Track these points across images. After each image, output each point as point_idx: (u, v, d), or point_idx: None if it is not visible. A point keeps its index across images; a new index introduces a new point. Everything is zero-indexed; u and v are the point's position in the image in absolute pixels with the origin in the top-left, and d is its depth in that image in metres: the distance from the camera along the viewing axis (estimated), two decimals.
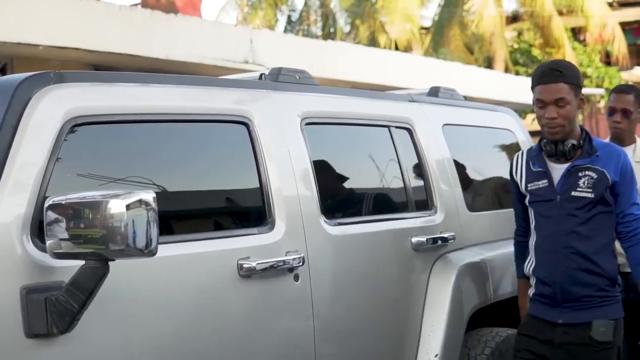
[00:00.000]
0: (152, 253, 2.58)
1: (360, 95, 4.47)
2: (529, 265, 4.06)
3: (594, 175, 3.90)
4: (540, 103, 3.89)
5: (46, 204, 2.59)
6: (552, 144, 3.93)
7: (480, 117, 5.30)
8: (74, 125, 2.91)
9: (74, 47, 11.14)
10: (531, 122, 26.55)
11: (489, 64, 26.05)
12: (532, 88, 3.94)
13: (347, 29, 29.46)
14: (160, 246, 2.63)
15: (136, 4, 16.32)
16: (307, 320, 3.51)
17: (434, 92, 5.06)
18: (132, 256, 2.57)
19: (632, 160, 4.33)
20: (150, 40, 11.87)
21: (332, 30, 28.66)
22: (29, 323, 2.62)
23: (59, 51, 11.32)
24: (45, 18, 10.83)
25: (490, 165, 5.31)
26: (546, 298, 3.98)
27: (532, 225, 4.06)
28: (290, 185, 3.58)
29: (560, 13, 27.09)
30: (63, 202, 2.56)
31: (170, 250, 2.98)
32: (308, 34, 29.36)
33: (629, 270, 4.18)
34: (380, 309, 3.92)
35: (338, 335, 3.67)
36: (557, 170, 3.95)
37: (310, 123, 3.84)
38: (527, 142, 5.41)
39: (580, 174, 3.91)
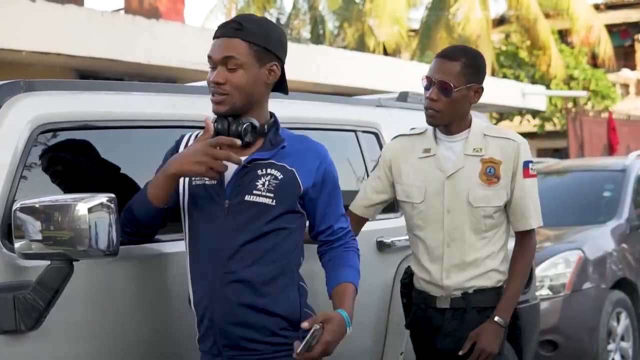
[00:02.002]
0: (114, 253, 2.70)
1: (326, 101, 4.52)
2: (190, 295, 2.99)
3: (279, 175, 2.91)
4: (210, 63, 2.93)
5: (15, 207, 2.68)
6: (224, 120, 2.91)
7: None
8: (42, 132, 3.02)
9: (56, 52, 11.20)
10: (519, 124, 26.72)
11: None
12: None
13: (335, 31, 29.54)
14: None
15: (118, 10, 16.41)
16: None
17: (403, 96, 5.12)
18: (94, 257, 2.69)
19: (461, 153, 3.56)
20: (132, 45, 11.96)
21: (320, 33, 28.72)
22: None
23: (42, 57, 11.38)
24: (27, 24, 10.86)
25: None
26: (207, 343, 2.95)
27: (187, 236, 2.98)
28: None
29: (547, 15, 27.21)
30: (35, 205, 2.66)
31: None
32: (297, 37, 29.42)
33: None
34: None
35: None
36: (230, 165, 2.86)
37: None
38: None
39: (259, 172, 2.91)
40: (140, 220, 2.95)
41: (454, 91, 3.49)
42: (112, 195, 2.70)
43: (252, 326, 2.86)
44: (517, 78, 26.05)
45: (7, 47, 10.75)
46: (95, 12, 11.97)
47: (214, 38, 2.95)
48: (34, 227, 2.66)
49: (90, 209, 2.62)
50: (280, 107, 4.00)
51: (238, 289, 2.85)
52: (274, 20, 30.19)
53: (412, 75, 17.67)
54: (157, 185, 2.89)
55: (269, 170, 2.90)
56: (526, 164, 3.59)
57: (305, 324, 2.80)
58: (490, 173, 3.55)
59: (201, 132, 2.96)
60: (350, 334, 2.91)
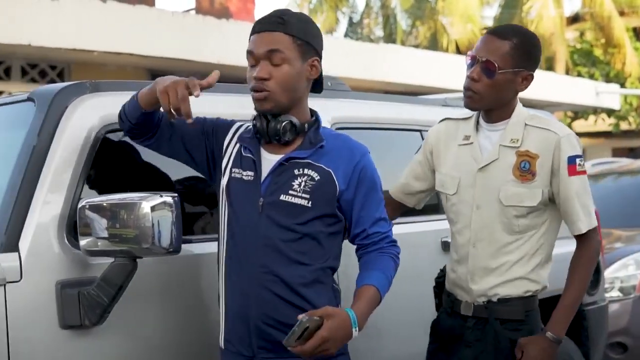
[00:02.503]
0: (176, 251, 2.74)
1: (392, 100, 4.53)
2: (220, 297, 2.90)
3: (315, 176, 2.82)
4: (251, 59, 2.84)
5: (81, 205, 2.74)
6: (263, 118, 2.84)
7: None
8: (108, 132, 3.08)
9: (128, 52, 11.37)
10: (593, 123, 26.38)
11: (549, 64, 25.91)
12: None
13: (408, 30, 29.49)
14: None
15: (189, 10, 16.58)
16: None
17: None
18: (157, 254, 2.73)
19: (497, 143, 3.21)
20: (202, 45, 12.07)
21: (393, 31, 28.68)
22: (63, 315, 2.79)
23: (114, 57, 11.56)
24: (100, 24, 11.05)
25: None
26: (238, 345, 2.86)
27: (224, 230, 2.88)
28: None
29: (622, 13, 26.82)
30: (102, 203, 2.71)
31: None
32: (369, 36, 29.42)
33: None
34: None
35: None
36: (269, 162, 2.84)
37: (340, 128, 3.96)
38: None
39: (296, 172, 2.83)
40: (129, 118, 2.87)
41: (497, 73, 3.09)
42: (175, 194, 2.74)
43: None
44: (591, 76, 25.73)
45: (79, 47, 10.93)
46: (166, 12, 12.11)
47: (252, 33, 2.86)
48: (99, 224, 2.71)
49: (153, 207, 2.65)
50: (345, 107, 4.08)
51: (275, 288, 2.77)
52: (347, 19, 30.38)
53: None
54: (145, 92, 2.80)
55: (305, 171, 2.80)
56: (572, 160, 3.12)
57: (300, 316, 2.61)
58: (525, 168, 3.13)
59: (249, 125, 2.94)
60: (357, 336, 2.73)
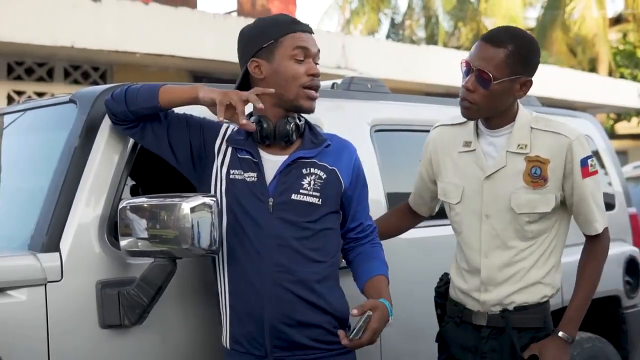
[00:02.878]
0: (215, 252, 2.75)
1: (430, 102, 4.53)
2: (222, 297, 2.93)
3: (322, 175, 2.90)
4: (301, 54, 2.88)
5: (122, 205, 2.75)
6: (268, 120, 2.88)
7: None
8: None
9: (170, 54, 11.40)
10: (636, 125, 26.11)
11: (592, 66, 25.69)
12: (277, 37, 2.88)
13: (450, 31, 29.38)
14: None
15: (230, 12, 16.64)
16: None
17: None
18: (196, 255, 2.75)
19: (503, 150, 3.09)
20: None
21: (435, 32, 28.58)
22: (103, 315, 2.82)
23: (156, 58, 11.61)
24: (142, 26, 11.09)
25: None
26: (248, 345, 2.87)
27: (228, 234, 2.89)
28: None
29: None
30: (143, 204, 2.72)
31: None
32: (408, 38, 29.36)
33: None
34: None
35: None
36: (271, 162, 2.89)
37: (380, 130, 3.97)
38: (607, 149, 5.38)
39: (304, 171, 2.90)
40: (129, 106, 2.88)
41: (493, 83, 2.95)
42: (214, 195, 2.75)
43: (308, 325, 2.81)
44: (634, 78, 25.47)
45: (121, 49, 11.01)
46: (208, 14, 12.15)
47: (297, 31, 2.91)
48: (140, 225, 2.72)
49: (193, 208, 2.66)
50: (384, 109, 4.08)
51: (292, 286, 2.81)
52: (388, 21, 30.28)
53: None
54: (175, 92, 2.85)
55: (312, 170, 2.88)
56: (584, 162, 3.04)
57: (354, 311, 2.71)
58: (536, 174, 3.04)
59: (234, 127, 2.96)
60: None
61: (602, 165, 5.31)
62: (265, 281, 2.80)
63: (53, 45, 10.56)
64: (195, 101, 2.84)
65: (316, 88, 2.91)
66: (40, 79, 11.84)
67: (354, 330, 2.72)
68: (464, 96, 3.02)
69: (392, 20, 30.87)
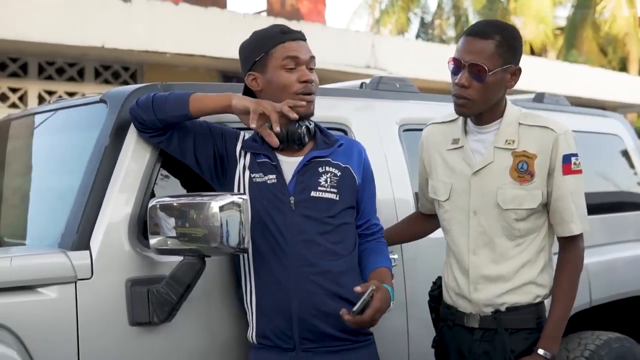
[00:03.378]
0: (244, 251, 2.75)
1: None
2: (248, 294, 2.99)
3: (337, 172, 3.02)
4: (292, 63, 3.00)
5: (151, 204, 2.77)
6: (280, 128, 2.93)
7: (587, 122, 5.21)
8: None
9: (200, 54, 11.45)
10: None
11: (623, 65, 25.51)
12: (267, 50, 3.02)
13: None
14: None
15: (260, 12, 16.69)
16: None
17: (539, 98, 5.06)
18: (225, 253, 2.77)
19: (491, 145, 3.07)
20: None
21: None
22: (132, 312, 2.85)
23: (186, 58, 11.65)
24: (172, 26, 11.14)
25: (596, 170, 5.31)
26: (276, 339, 2.94)
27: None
28: (387, 189, 3.73)
29: None
30: (172, 203, 2.74)
31: None
32: (437, 37, 29.30)
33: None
34: None
35: None
36: (288, 164, 3.01)
37: (408, 130, 3.97)
38: (636, 149, 5.36)
39: (320, 169, 3.01)
40: (157, 114, 2.92)
41: (488, 75, 2.94)
42: (244, 194, 2.77)
43: (335, 315, 2.83)
44: None
45: (152, 49, 11.06)
46: (238, 14, 12.18)
47: (289, 40, 3.04)
48: (169, 224, 2.74)
49: (221, 207, 2.68)
50: (413, 108, 4.08)
51: (319, 279, 2.90)
52: (418, 20, 30.25)
53: (556, 74, 17.37)
54: (206, 101, 2.93)
55: (327, 168, 3.01)
56: (567, 159, 2.99)
57: (358, 288, 2.81)
58: (523, 169, 2.99)
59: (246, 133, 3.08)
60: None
61: (632, 165, 5.29)
62: (291, 276, 2.90)
63: (84, 45, 10.64)
64: (227, 109, 2.92)
65: (311, 93, 3.02)
66: (71, 79, 11.93)
67: (357, 306, 2.77)
68: (459, 93, 2.99)
69: (422, 19, 30.82)
